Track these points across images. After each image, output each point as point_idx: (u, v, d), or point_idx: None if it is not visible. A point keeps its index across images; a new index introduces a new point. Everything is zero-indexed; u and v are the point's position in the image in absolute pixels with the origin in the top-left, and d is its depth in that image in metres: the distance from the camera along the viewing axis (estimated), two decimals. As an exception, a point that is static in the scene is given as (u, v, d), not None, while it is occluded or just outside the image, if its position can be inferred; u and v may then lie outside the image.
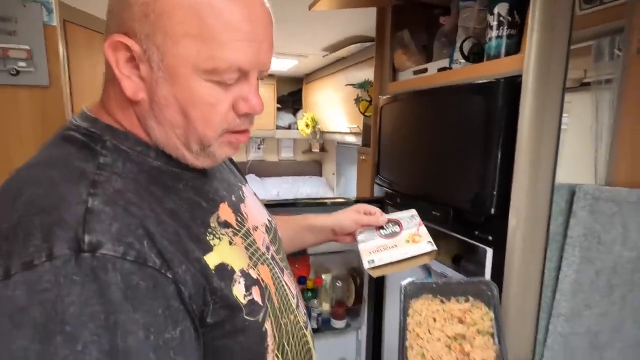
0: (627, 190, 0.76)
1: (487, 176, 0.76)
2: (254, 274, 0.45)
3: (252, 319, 0.42)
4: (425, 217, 0.97)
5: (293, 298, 0.55)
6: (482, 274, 0.84)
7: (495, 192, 0.75)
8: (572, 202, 0.74)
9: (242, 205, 0.52)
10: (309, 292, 1.25)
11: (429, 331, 0.57)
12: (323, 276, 1.24)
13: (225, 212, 0.46)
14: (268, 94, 2.98)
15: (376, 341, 1.32)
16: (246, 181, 0.66)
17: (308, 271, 1.25)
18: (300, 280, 1.21)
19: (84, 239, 0.31)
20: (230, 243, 0.44)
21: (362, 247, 0.77)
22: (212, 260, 0.40)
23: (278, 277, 0.52)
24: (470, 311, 0.59)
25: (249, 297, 0.42)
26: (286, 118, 3.34)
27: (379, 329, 1.31)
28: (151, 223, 0.36)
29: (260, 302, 0.44)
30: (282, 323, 0.48)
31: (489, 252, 0.80)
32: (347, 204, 1.25)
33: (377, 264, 0.72)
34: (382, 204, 1.23)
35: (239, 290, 0.41)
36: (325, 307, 1.26)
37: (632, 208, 0.77)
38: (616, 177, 0.80)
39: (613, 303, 0.81)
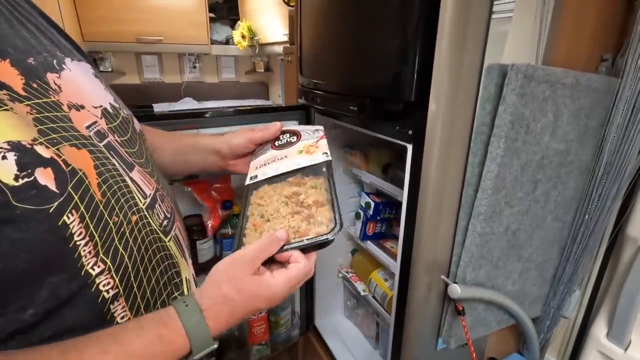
0: (564, 70, 0.66)
1: (407, 56, 0.62)
2: (45, 153, 0.34)
3: (30, 206, 0.32)
4: (343, 115, 0.84)
5: (144, 198, 0.46)
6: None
7: (415, 73, 0.61)
8: (502, 86, 0.63)
9: (51, 75, 0.41)
10: (235, 218, 1.13)
11: (269, 198, 0.56)
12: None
13: None
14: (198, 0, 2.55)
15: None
16: (86, 59, 0.53)
17: (231, 194, 1.11)
18: (226, 205, 1.07)
19: None
20: None
21: (252, 164, 0.66)
22: None
23: (113, 169, 0.42)
24: (305, 183, 0.58)
25: (27, 179, 0.32)
26: (222, 31, 2.93)
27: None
28: None
29: (54, 188, 0.34)
30: (112, 222, 0.39)
31: (409, 149, 0.70)
32: (269, 110, 1.09)
33: (259, 178, 0.61)
34: (307, 110, 1.09)
35: (3, 168, 0.31)
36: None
37: (567, 93, 0.68)
38: (554, 58, 0.69)
39: (536, 200, 0.76)
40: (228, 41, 2.89)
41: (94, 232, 0.37)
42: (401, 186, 0.96)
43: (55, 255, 0.34)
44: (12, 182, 0.31)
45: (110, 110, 0.48)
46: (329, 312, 1.37)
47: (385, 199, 1.09)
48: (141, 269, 0.42)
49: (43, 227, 0.33)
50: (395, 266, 0.91)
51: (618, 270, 0.86)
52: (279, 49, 2.35)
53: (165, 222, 0.49)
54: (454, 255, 0.75)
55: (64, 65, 0.44)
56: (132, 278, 0.41)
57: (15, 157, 0.32)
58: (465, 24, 0.57)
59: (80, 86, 0.45)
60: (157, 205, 0.49)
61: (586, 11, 0.70)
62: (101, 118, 0.45)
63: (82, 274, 0.36)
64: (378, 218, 1.09)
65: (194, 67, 2.99)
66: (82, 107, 0.43)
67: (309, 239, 0.47)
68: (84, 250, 0.36)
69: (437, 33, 0.58)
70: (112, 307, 0.39)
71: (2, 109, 0.33)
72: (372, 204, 1.08)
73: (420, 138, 0.65)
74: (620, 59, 0.76)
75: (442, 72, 0.59)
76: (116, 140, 0.46)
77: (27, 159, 0.32)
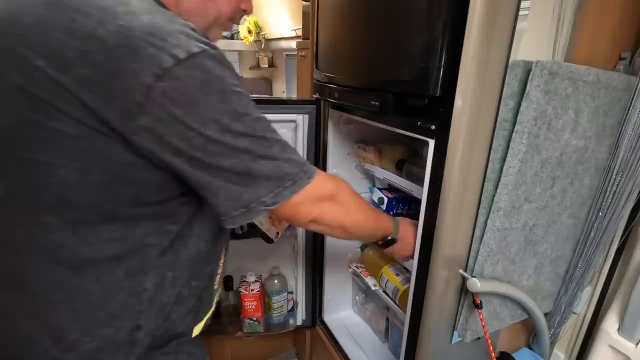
0: (586, 68, 0.66)
1: (434, 50, 0.63)
2: None
3: None
4: (364, 110, 0.85)
5: None
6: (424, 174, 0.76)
7: (442, 68, 0.62)
8: (526, 83, 0.64)
9: None
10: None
11: None
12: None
13: None
14: (203, -7, 2.52)
15: (317, 249, 1.27)
16: None
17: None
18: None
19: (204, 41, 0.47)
20: None
21: None
22: None
23: None
24: None
25: None
26: (228, 26, 2.92)
27: (322, 236, 1.24)
28: None
29: None
30: None
31: (431, 144, 0.70)
32: (283, 102, 1.09)
33: None
34: (318, 104, 1.09)
35: None
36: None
37: (588, 90, 0.69)
38: (575, 55, 0.70)
39: (553, 196, 0.77)
40: (233, 36, 2.87)
41: None
42: (416, 182, 0.96)
43: None
44: None
45: None
46: (337, 307, 1.38)
47: (398, 194, 1.10)
48: None
49: None
50: (411, 261, 0.92)
51: (630, 266, 0.88)
52: (285, 44, 2.34)
53: None
54: (472, 250, 0.76)
55: None
56: None
57: None
58: (494, 18, 0.58)
59: None
60: None
61: (609, 8, 0.71)
62: None
63: None
64: (391, 214, 1.10)
65: (198, 62, 2.97)
66: None
67: None
68: None
69: (466, 28, 0.58)
70: None
71: None
72: (385, 199, 1.08)
73: (444, 133, 0.66)
74: (638, 58, 0.77)
75: (470, 67, 0.59)
76: None
77: None
